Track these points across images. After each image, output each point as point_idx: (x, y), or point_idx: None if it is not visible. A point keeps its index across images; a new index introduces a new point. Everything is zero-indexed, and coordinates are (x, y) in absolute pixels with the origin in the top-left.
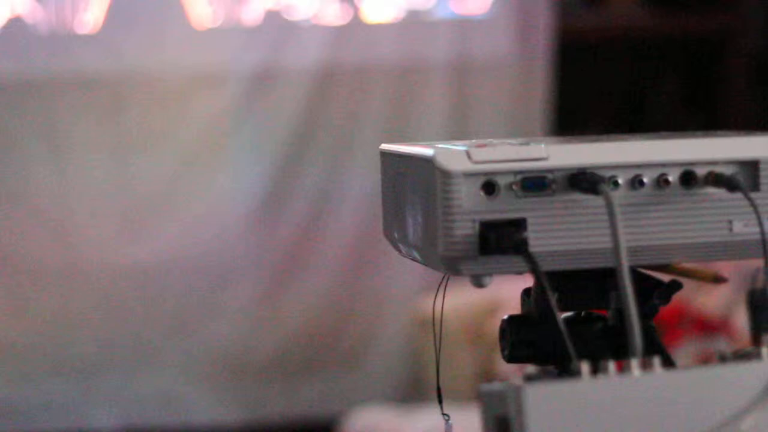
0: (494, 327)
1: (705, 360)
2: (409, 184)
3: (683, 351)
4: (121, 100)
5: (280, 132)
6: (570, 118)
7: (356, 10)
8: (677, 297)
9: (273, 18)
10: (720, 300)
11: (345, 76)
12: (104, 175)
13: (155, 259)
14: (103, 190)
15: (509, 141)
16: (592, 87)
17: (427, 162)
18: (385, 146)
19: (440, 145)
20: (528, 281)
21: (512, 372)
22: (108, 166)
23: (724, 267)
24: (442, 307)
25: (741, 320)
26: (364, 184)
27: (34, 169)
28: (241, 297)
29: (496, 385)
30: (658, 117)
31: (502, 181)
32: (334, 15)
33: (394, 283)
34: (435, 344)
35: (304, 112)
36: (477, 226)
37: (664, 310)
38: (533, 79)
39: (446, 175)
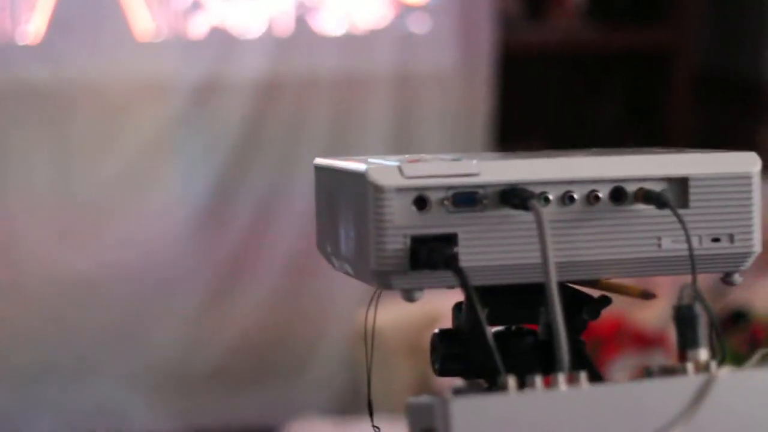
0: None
1: (641, 375)
2: (342, 199)
3: (620, 365)
4: (62, 110)
5: (223, 143)
6: (512, 132)
7: (300, 22)
8: (614, 311)
9: (217, 32)
10: (657, 314)
11: (288, 88)
12: (45, 184)
13: (97, 269)
14: (44, 200)
15: (442, 156)
16: (535, 101)
17: (359, 177)
18: (319, 161)
19: (373, 160)
20: (460, 295)
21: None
22: (49, 176)
23: (660, 281)
24: (374, 322)
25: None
26: (306, 196)
27: None
28: (183, 306)
29: (423, 398)
30: (601, 131)
31: (433, 196)
32: (277, 27)
33: (334, 295)
34: (367, 358)
35: (248, 123)
36: (408, 240)
37: (602, 324)
38: (475, 93)
39: (378, 189)
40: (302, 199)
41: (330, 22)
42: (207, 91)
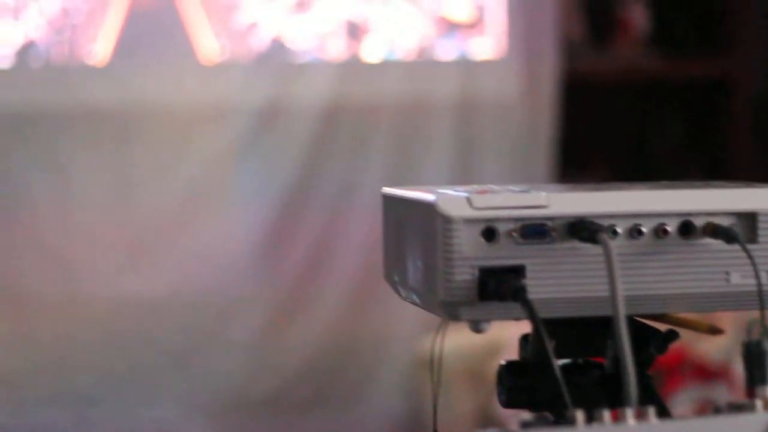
0: (495, 369)
1: (704, 408)
2: (411, 229)
3: (683, 398)
4: (126, 132)
5: (284, 167)
6: (574, 160)
7: (363, 46)
8: (677, 343)
9: (281, 56)
10: (720, 346)
11: (350, 114)
12: (107, 207)
13: (157, 292)
14: (107, 222)
15: (510, 188)
16: (596, 129)
17: (428, 207)
18: (387, 190)
19: (442, 191)
20: (526, 327)
21: (511, 415)
22: (111, 198)
23: (724, 315)
24: (441, 352)
25: (741, 368)
26: (367, 221)
27: (38, 199)
28: (243, 332)
29: (491, 431)
30: (661, 160)
31: (502, 227)
32: (340, 51)
33: (395, 322)
34: (433, 388)
35: (309, 149)
36: (476, 272)
37: (664, 357)
38: (538, 120)
39: (447, 220)
40: (363, 224)
41: (394, 48)
42: (269, 114)
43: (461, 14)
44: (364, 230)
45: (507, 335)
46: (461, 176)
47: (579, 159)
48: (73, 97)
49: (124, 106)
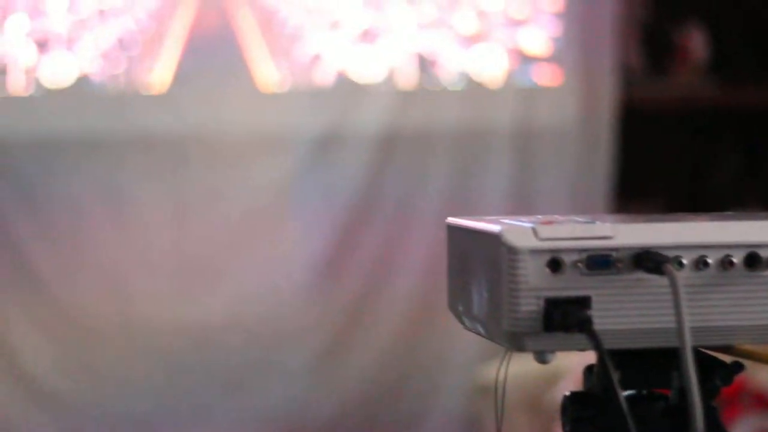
0: (554, 397)
1: None
2: (475, 259)
3: (741, 427)
4: (184, 160)
5: (342, 195)
6: (631, 189)
7: (421, 74)
8: None
9: (338, 84)
10: None
11: (409, 142)
12: (166, 233)
13: (214, 318)
14: (163, 248)
15: (575, 218)
16: (654, 157)
17: (494, 238)
18: (451, 220)
19: (506, 221)
20: (588, 357)
21: None
22: (169, 225)
23: None
24: (505, 383)
25: None
26: (425, 249)
27: (95, 225)
28: (299, 358)
29: None
30: (719, 189)
31: (567, 258)
32: (398, 79)
33: (453, 349)
34: (496, 420)
35: (367, 176)
36: (542, 303)
37: None
38: (596, 148)
39: (513, 251)
40: (421, 251)
41: (451, 75)
42: (326, 142)
43: (528, 45)
44: (422, 256)
45: (565, 364)
46: (520, 203)
47: (636, 187)
48: (131, 125)
49: (182, 134)
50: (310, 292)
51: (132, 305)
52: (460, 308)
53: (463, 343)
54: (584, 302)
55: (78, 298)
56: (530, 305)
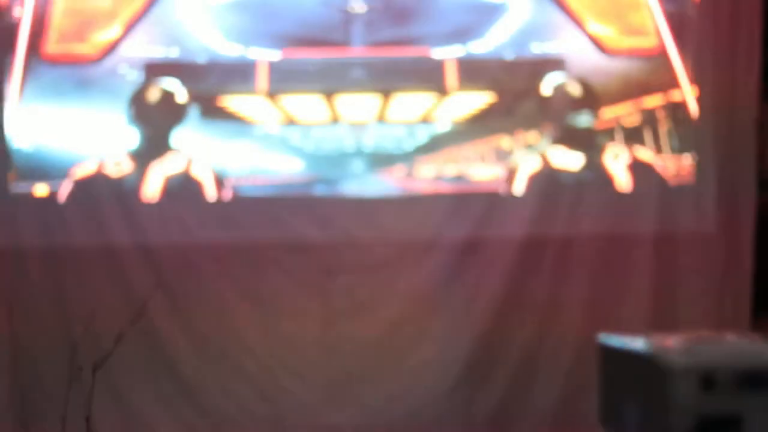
0: None
1: None
2: (626, 377)
3: None
4: (329, 266)
5: (482, 301)
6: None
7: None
8: None
9: (476, 186)
10: None
11: (548, 249)
12: (312, 339)
13: (358, 425)
14: (310, 355)
15: (727, 337)
16: None
17: (645, 356)
18: (603, 337)
19: (657, 339)
20: None
21: None
22: (315, 331)
23: None
24: None
25: None
26: (570, 355)
27: (242, 329)
28: None
29: None
30: None
31: (720, 377)
32: (537, 185)
33: None
34: None
35: (508, 282)
36: (694, 421)
37: None
38: (736, 254)
39: (665, 370)
40: (565, 358)
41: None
42: (468, 248)
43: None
44: (566, 362)
45: None
46: (661, 308)
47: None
48: (277, 233)
49: (329, 240)
50: (454, 395)
51: (278, 410)
52: (611, 423)
53: None
54: (737, 422)
55: (224, 401)
56: (682, 424)
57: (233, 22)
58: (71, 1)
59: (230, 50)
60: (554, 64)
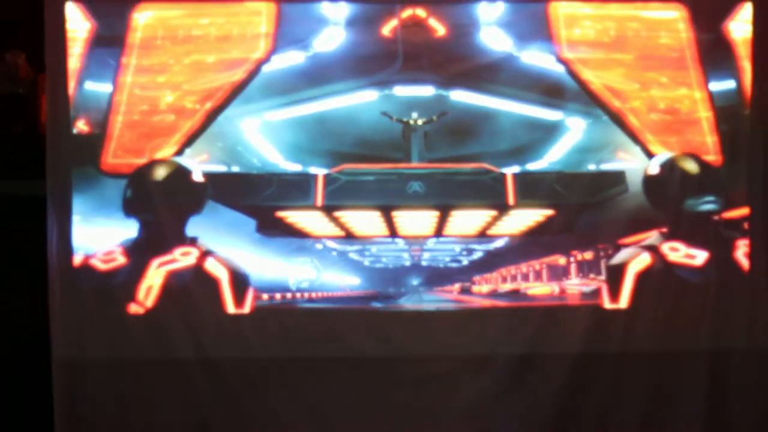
0: None
1: None
2: None
3: None
4: (388, 380)
5: (538, 415)
6: None
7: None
8: None
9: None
10: None
11: (602, 363)
12: None
13: None
14: None
15: None
16: None
17: None
18: None
19: None
20: None
21: None
22: None
23: None
24: None
25: None
26: None
27: None
28: None
29: None
30: None
31: None
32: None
33: None
34: None
35: (563, 397)
36: None
37: None
38: None
39: None
40: None
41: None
42: (524, 362)
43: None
44: None
45: None
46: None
47: None
48: (335, 346)
49: (385, 353)
50: None
51: None
52: None
53: None
54: None
55: None
56: None
57: (291, 139)
58: (130, 114)
59: (288, 166)
60: (615, 177)
